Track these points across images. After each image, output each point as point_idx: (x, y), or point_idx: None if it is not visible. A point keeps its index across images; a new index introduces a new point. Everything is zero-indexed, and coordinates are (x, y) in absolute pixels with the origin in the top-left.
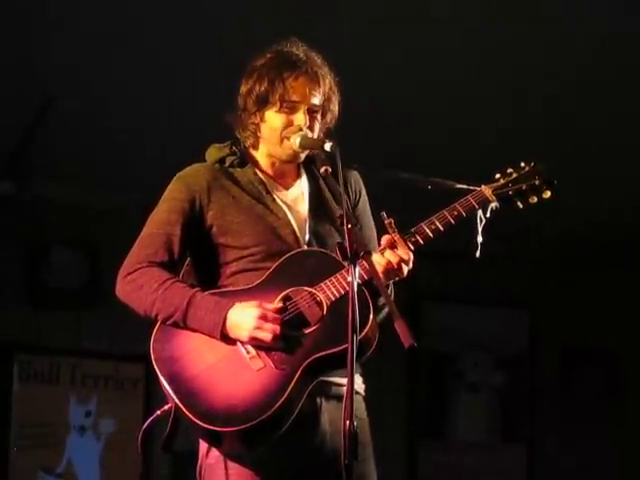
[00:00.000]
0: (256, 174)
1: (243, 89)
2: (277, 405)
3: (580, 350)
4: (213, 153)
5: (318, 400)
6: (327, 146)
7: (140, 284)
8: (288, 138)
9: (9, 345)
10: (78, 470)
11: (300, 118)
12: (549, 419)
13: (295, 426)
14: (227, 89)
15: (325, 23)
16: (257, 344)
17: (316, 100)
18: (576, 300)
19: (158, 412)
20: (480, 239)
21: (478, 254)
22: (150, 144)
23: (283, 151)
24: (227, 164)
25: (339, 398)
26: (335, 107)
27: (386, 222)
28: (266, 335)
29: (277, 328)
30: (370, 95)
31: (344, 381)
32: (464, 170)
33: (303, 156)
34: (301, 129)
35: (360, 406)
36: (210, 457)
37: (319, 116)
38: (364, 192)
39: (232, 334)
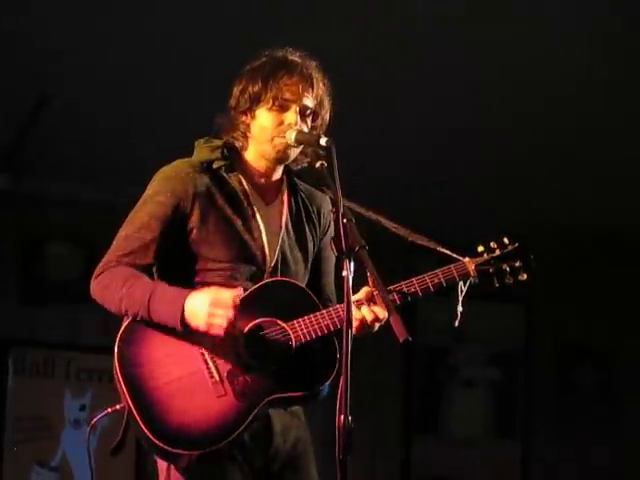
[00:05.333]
0: (241, 183)
1: (236, 89)
2: (229, 439)
3: (576, 346)
4: (204, 152)
5: (269, 411)
6: (323, 141)
7: (106, 284)
8: (280, 137)
9: (4, 339)
10: (72, 464)
11: (291, 117)
12: (544, 415)
13: (251, 440)
14: (225, 89)
15: None
16: (214, 332)
17: (308, 102)
18: (572, 296)
19: (109, 410)
20: (460, 309)
21: (457, 324)
22: (146, 139)
23: (273, 149)
24: (215, 167)
25: (285, 408)
26: (327, 114)
27: (370, 278)
28: (220, 321)
29: (230, 312)
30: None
31: None
32: None
33: (293, 155)
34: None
35: (299, 412)
36: (172, 470)
37: (309, 119)
38: (333, 226)
39: (192, 322)
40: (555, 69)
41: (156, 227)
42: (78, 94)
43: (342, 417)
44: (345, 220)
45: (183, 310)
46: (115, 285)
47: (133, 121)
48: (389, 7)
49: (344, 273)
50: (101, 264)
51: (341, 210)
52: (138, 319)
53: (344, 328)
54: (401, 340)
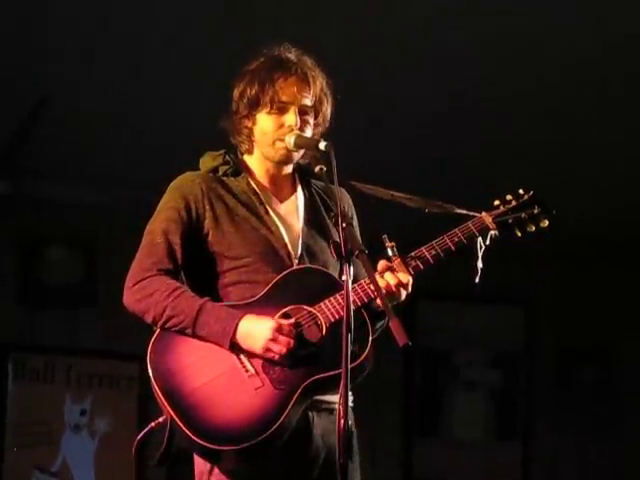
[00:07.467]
0: (249, 184)
1: (235, 93)
2: (275, 427)
3: (577, 348)
4: (207, 162)
5: (310, 414)
6: (322, 145)
7: (150, 292)
8: (281, 140)
9: (4, 344)
10: (73, 469)
11: (291, 119)
12: (545, 417)
13: (290, 441)
14: (226, 90)
15: None
16: (268, 356)
17: (306, 101)
18: (573, 298)
19: (152, 424)
20: (480, 265)
21: (477, 280)
22: (146, 142)
23: (276, 152)
24: (220, 173)
25: (330, 411)
26: (327, 109)
27: (388, 245)
28: (280, 348)
29: (291, 342)
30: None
31: (335, 398)
32: None
33: (297, 156)
34: (292, 130)
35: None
36: (214, 474)
37: (310, 118)
38: (355, 217)
39: (244, 344)
40: (554, 61)
41: (175, 230)
42: (78, 94)
43: (342, 421)
44: (345, 224)
45: (236, 329)
46: (160, 294)
47: (133, 123)
48: (389, 7)
49: (344, 277)
50: (136, 272)
51: (340, 213)
52: (176, 329)
53: (344, 332)
54: (401, 344)
